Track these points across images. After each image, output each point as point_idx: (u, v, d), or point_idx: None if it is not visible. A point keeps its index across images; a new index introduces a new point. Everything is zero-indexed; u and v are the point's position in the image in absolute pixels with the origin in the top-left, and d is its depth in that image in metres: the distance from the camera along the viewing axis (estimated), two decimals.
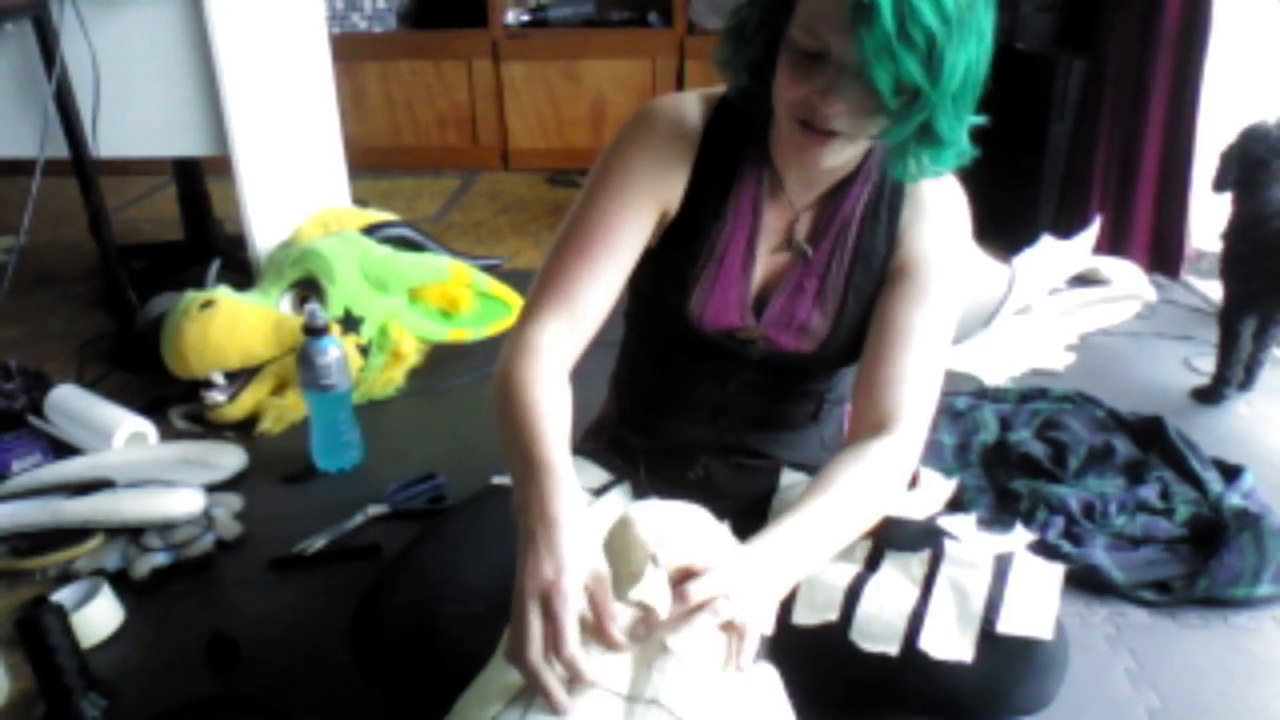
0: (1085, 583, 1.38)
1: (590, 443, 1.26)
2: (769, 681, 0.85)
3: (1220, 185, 1.82)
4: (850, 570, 1.01)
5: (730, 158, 1.05)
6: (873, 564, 1.03)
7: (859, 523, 0.97)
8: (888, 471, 0.98)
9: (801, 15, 0.87)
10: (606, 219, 1.01)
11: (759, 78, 0.97)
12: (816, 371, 1.14)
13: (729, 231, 1.06)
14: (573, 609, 0.76)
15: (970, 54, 0.87)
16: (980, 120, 0.98)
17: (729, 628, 0.81)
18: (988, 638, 0.93)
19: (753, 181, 1.05)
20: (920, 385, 1.01)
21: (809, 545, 0.92)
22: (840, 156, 0.95)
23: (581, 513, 0.83)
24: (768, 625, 0.86)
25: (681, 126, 1.04)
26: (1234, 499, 1.50)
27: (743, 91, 1.00)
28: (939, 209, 1.05)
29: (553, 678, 0.75)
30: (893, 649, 0.94)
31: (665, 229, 1.07)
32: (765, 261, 1.08)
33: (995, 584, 0.97)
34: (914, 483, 1.37)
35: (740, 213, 1.05)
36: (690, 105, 1.06)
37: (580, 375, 1.03)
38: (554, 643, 0.75)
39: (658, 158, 1.03)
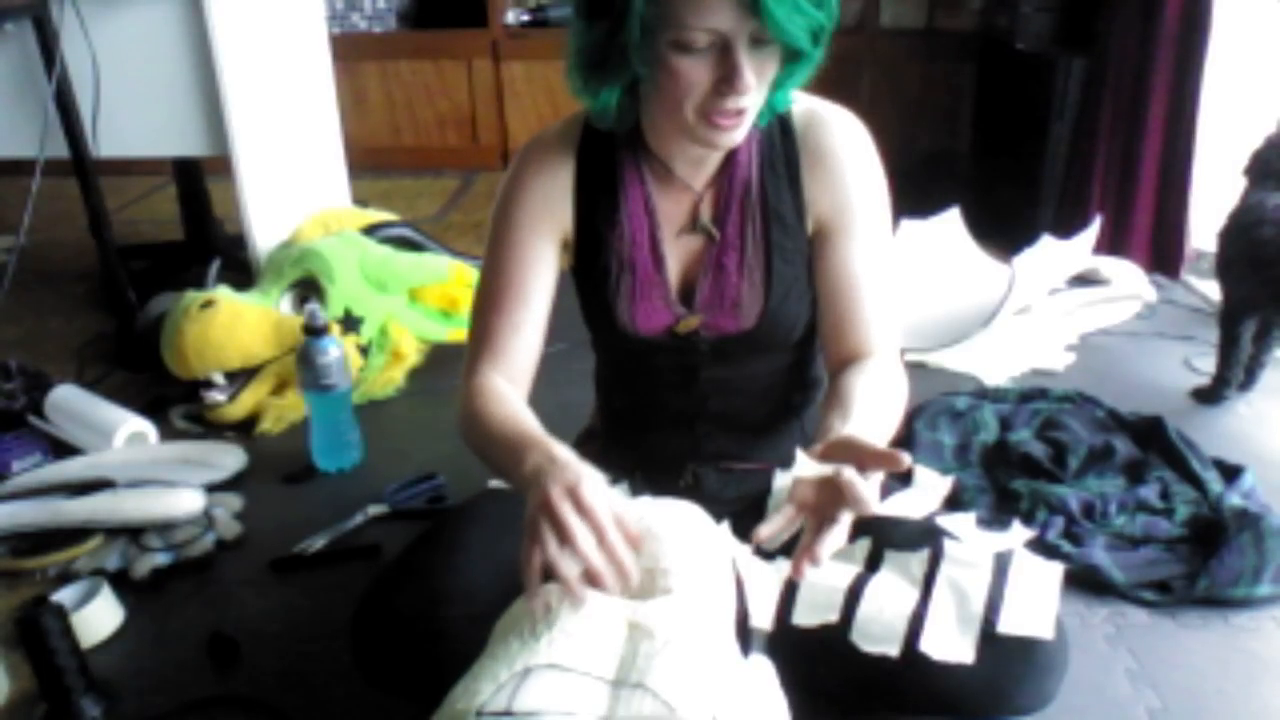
0: (1085, 583, 1.38)
1: (581, 450, 1.26)
2: (763, 672, 0.85)
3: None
4: (850, 571, 1.01)
5: (609, 165, 1.05)
6: (872, 564, 1.03)
7: (893, 419, 0.98)
8: (888, 378, 1.00)
9: (679, 16, 0.86)
10: (507, 273, 1.06)
11: (630, 91, 0.97)
12: (772, 352, 1.13)
13: (629, 236, 1.06)
14: (604, 497, 0.81)
15: None
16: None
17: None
18: (988, 638, 0.93)
19: (637, 181, 1.05)
20: (884, 321, 1.05)
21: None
22: (748, 126, 0.95)
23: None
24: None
25: (551, 159, 1.06)
26: (1234, 499, 1.50)
27: (609, 113, 0.99)
28: (837, 146, 1.04)
29: (572, 567, 0.79)
30: (893, 650, 0.94)
31: (573, 253, 1.09)
32: (678, 251, 1.07)
33: (995, 584, 0.96)
34: (910, 481, 1.37)
35: (634, 214, 1.06)
36: (557, 135, 1.07)
37: (571, 375, 1.04)
38: (596, 531, 0.79)
39: (536, 198, 1.06)
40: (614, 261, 1.06)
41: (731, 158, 1.04)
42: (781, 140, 1.04)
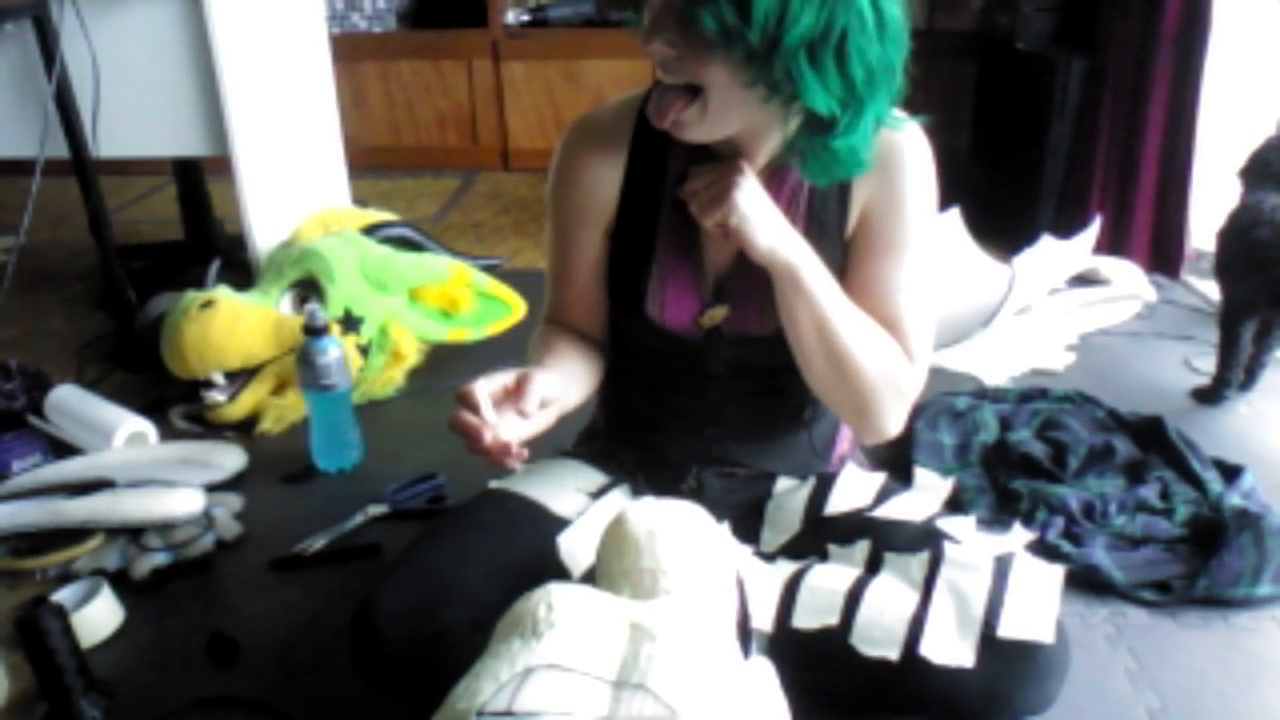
0: (1085, 583, 1.38)
1: (584, 448, 1.26)
2: (763, 674, 0.85)
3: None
4: (850, 573, 1.01)
5: (659, 149, 1.04)
6: (873, 566, 1.02)
7: (869, 338, 1.00)
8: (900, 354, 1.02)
9: None
10: (557, 251, 1.13)
11: None
12: (790, 362, 1.10)
13: (667, 222, 1.05)
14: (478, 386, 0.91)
15: (813, 15, 0.83)
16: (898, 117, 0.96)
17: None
18: (988, 641, 0.93)
19: (684, 167, 1.04)
20: (919, 331, 1.03)
21: (826, 278, 0.98)
22: (700, 126, 0.92)
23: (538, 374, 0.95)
24: (753, 239, 0.95)
25: (601, 143, 1.06)
26: (1234, 499, 1.50)
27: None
28: (893, 161, 1.01)
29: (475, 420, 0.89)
30: (893, 654, 0.93)
31: (611, 233, 1.08)
32: (715, 245, 1.06)
33: (995, 587, 0.96)
34: (910, 482, 1.37)
35: (677, 202, 1.04)
36: (612, 116, 1.07)
37: None
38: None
39: (582, 185, 1.07)
40: (649, 246, 1.06)
41: (786, 163, 1.02)
42: None
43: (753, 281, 1.05)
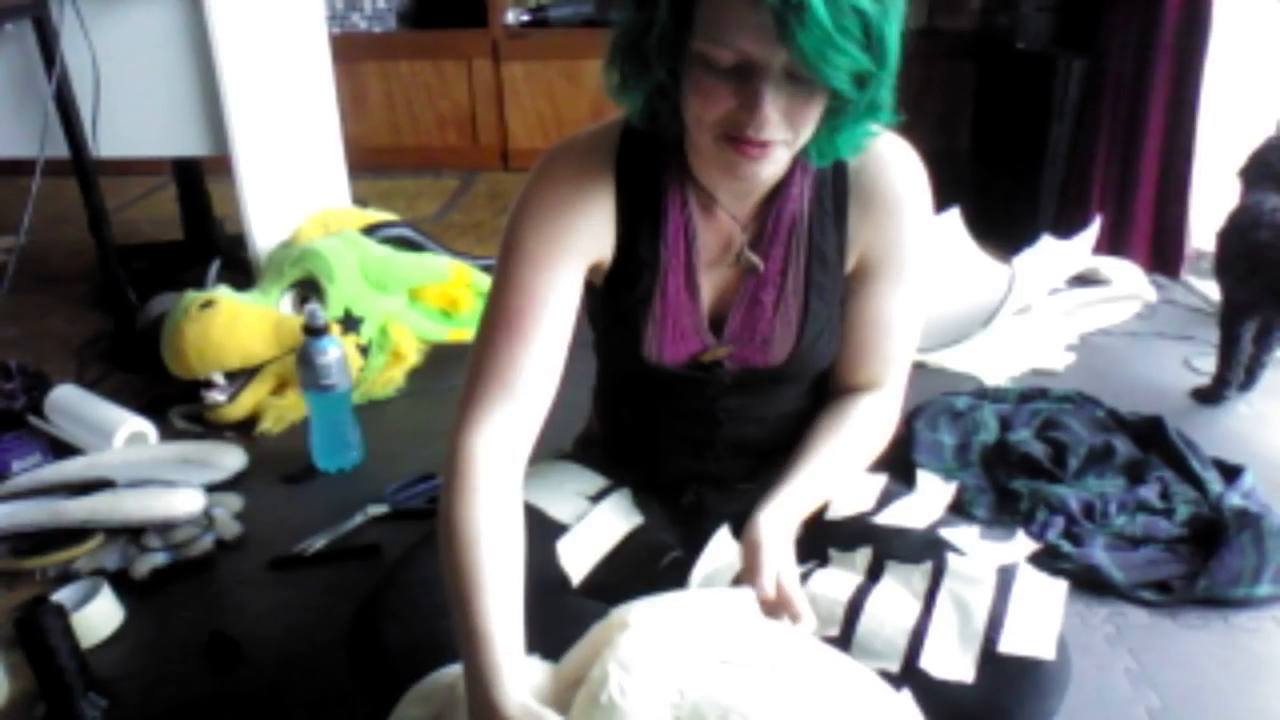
0: (1085, 583, 1.38)
1: (582, 456, 1.24)
2: None
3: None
4: (851, 581, 1.00)
5: (651, 184, 0.98)
6: (874, 574, 1.01)
7: (852, 470, 1.08)
8: (877, 420, 1.07)
9: (708, 26, 0.80)
10: (529, 292, 0.93)
11: (662, 95, 0.90)
12: (793, 386, 1.09)
13: (666, 261, 0.99)
14: None
15: (898, 16, 0.81)
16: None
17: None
18: (989, 656, 0.92)
19: (678, 203, 0.98)
20: (903, 358, 1.08)
21: (815, 496, 1.03)
22: (780, 164, 0.89)
23: (519, 689, 0.80)
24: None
25: (584, 171, 0.97)
26: (1234, 499, 1.50)
27: (645, 115, 0.93)
28: (890, 189, 0.98)
29: None
30: (893, 666, 0.92)
31: (606, 274, 1.01)
32: (713, 280, 1.02)
33: (997, 601, 0.95)
34: (913, 484, 1.36)
35: (673, 240, 0.99)
36: (592, 145, 0.99)
37: (571, 374, 0.99)
38: None
39: (567, 212, 0.95)
40: (647, 287, 1.00)
41: (781, 190, 0.98)
42: (833, 174, 0.98)
43: (755, 318, 1.02)
